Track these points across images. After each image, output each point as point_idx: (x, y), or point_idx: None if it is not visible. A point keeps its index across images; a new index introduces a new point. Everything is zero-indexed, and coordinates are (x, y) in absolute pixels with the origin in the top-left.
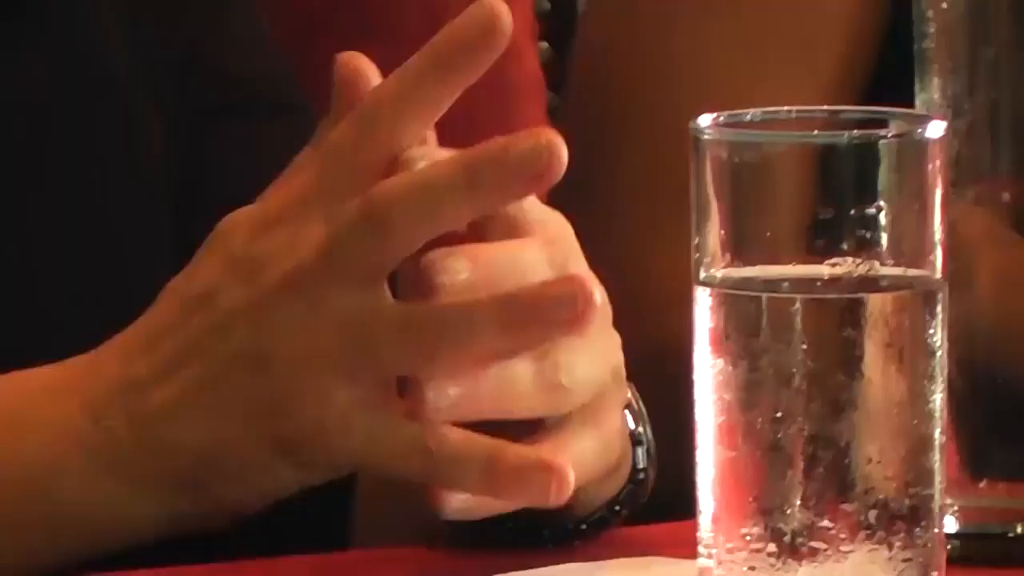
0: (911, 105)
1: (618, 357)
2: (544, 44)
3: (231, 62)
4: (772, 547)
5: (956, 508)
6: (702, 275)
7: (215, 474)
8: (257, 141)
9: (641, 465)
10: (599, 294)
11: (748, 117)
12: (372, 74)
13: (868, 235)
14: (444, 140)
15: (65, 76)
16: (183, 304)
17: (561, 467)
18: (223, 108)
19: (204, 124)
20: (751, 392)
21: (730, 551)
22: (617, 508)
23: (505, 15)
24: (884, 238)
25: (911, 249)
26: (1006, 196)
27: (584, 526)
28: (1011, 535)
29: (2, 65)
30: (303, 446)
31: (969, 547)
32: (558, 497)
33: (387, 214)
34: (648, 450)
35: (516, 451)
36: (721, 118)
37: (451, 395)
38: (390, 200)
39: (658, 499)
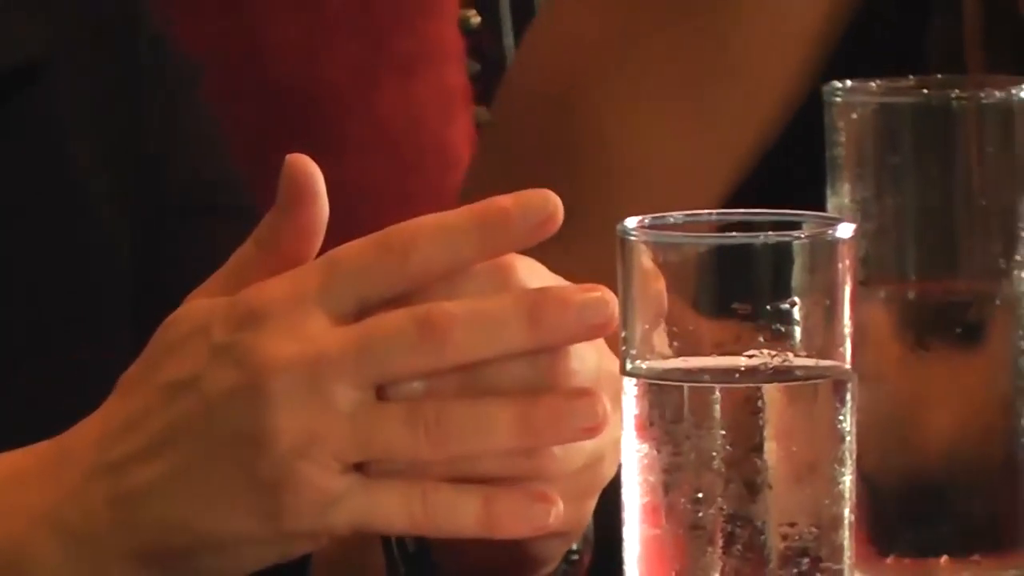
0: (822, 206)
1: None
2: (472, 60)
3: (190, 167)
4: None
5: None
6: (628, 366)
7: (203, 549)
8: (213, 240)
9: (576, 547)
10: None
11: (671, 220)
12: (318, 176)
13: (782, 329)
14: (380, 144)
15: (33, 177)
16: (162, 390)
17: (553, 496)
18: (182, 209)
19: (165, 224)
20: (673, 474)
21: None
22: None
23: (560, 213)
24: (797, 331)
25: (822, 342)
26: (911, 294)
27: None
28: None
29: None
30: (299, 521)
31: None
32: (555, 522)
33: (448, 330)
34: (586, 535)
35: (507, 488)
36: (646, 221)
37: None
38: (453, 318)
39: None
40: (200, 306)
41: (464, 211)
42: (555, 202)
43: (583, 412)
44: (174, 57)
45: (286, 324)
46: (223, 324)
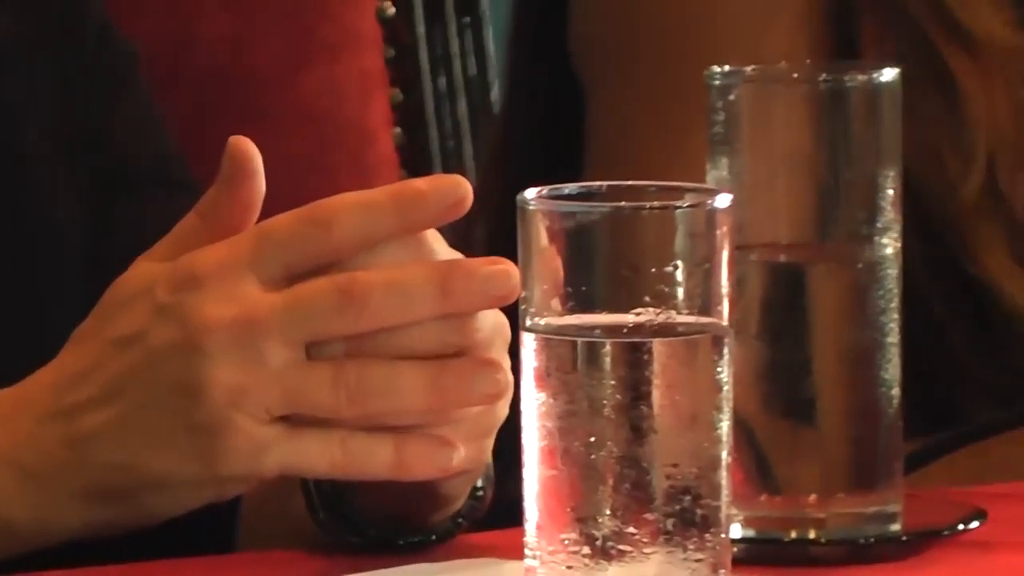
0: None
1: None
2: (398, 130)
3: (135, 144)
4: (586, 550)
5: (741, 517)
6: (528, 323)
7: (146, 488)
8: (155, 210)
9: (480, 484)
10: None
11: (566, 191)
12: (257, 156)
13: (666, 289)
14: (305, 122)
15: None
16: (112, 344)
17: (456, 441)
18: (127, 183)
19: (110, 194)
20: (568, 421)
21: (551, 554)
22: (460, 520)
23: (469, 196)
24: (680, 292)
25: (702, 301)
26: (782, 258)
27: (433, 536)
28: (786, 540)
29: None
30: (232, 465)
31: (751, 550)
32: (458, 464)
33: (366, 296)
34: (487, 472)
35: (415, 435)
36: (544, 191)
37: None
38: (371, 285)
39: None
40: (146, 269)
41: (383, 190)
42: (466, 187)
43: (488, 379)
44: (117, 45)
45: (222, 288)
46: (166, 286)
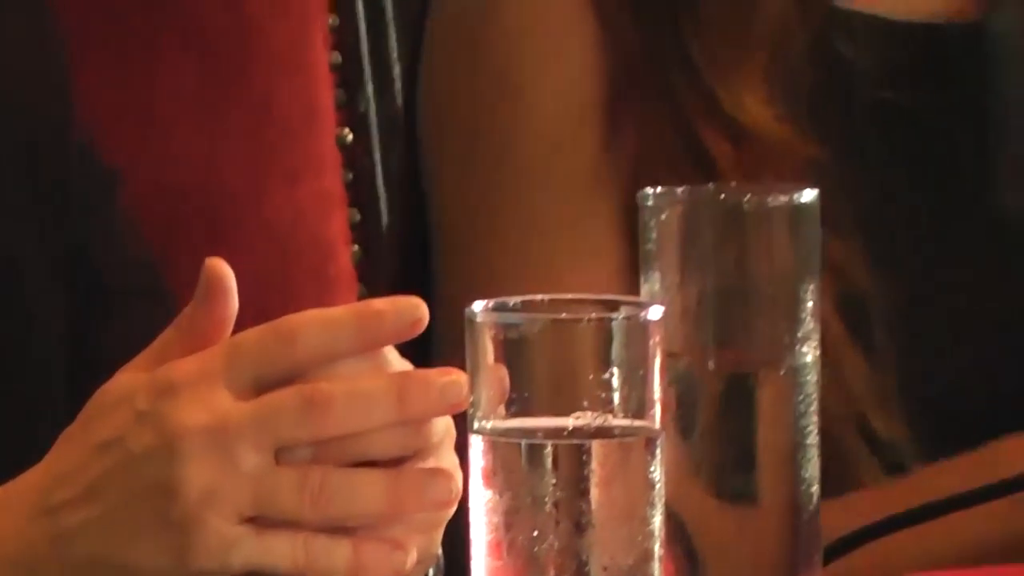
0: None
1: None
2: (355, 247)
3: (112, 253)
4: None
5: None
6: (475, 425)
7: None
8: (134, 321)
9: (430, 573)
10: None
11: (511, 303)
12: (231, 277)
13: (603, 395)
14: (269, 239)
15: None
16: (95, 447)
17: (409, 545)
18: (107, 291)
19: (92, 303)
20: (513, 516)
21: None
22: None
23: (426, 318)
24: (616, 397)
25: (636, 405)
26: (711, 364)
27: None
28: None
29: None
30: (203, 560)
31: None
32: (411, 566)
33: (329, 405)
34: (437, 563)
35: (372, 540)
36: (490, 304)
37: None
38: (332, 396)
39: None
40: (127, 379)
41: (346, 308)
42: (423, 308)
43: (441, 488)
44: (98, 163)
45: (196, 396)
46: (145, 394)
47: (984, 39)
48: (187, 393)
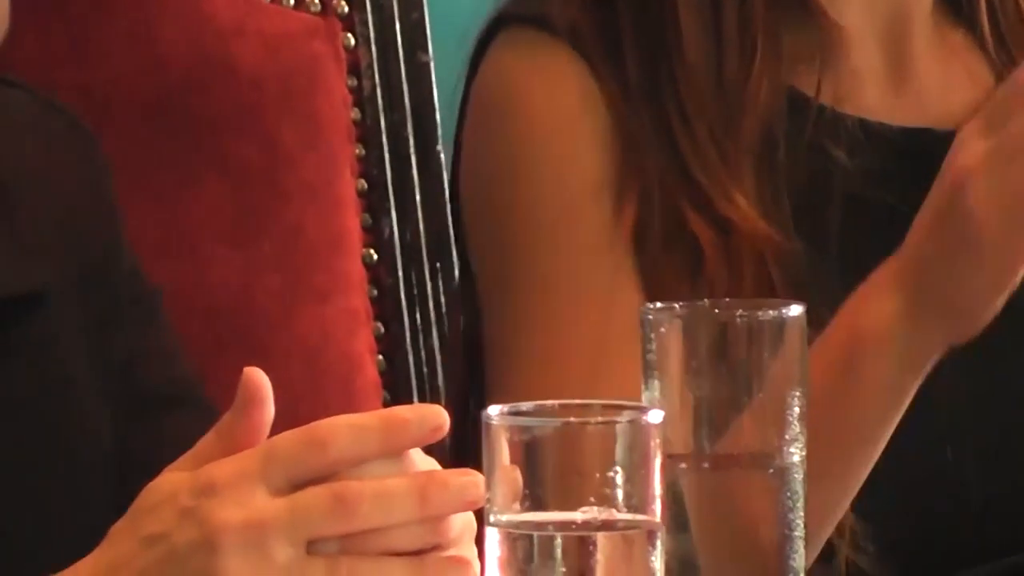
0: None
1: None
2: (380, 358)
3: (157, 367)
4: None
5: None
6: (491, 519)
7: None
8: (178, 428)
9: None
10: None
11: (523, 408)
12: (268, 386)
13: (608, 491)
14: (300, 355)
15: (34, 387)
16: (141, 541)
17: None
18: (152, 402)
19: (139, 413)
20: None
21: None
22: None
23: (447, 424)
24: (620, 493)
25: (638, 501)
26: (706, 465)
27: None
28: None
29: None
30: None
31: None
32: None
33: (357, 504)
34: None
35: None
36: (505, 409)
37: None
38: (360, 494)
39: None
40: (172, 478)
41: (373, 416)
42: (444, 416)
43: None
44: (145, 285)
45: (236, 495)
46: (188, 493)
47: None
48: (227, 492)
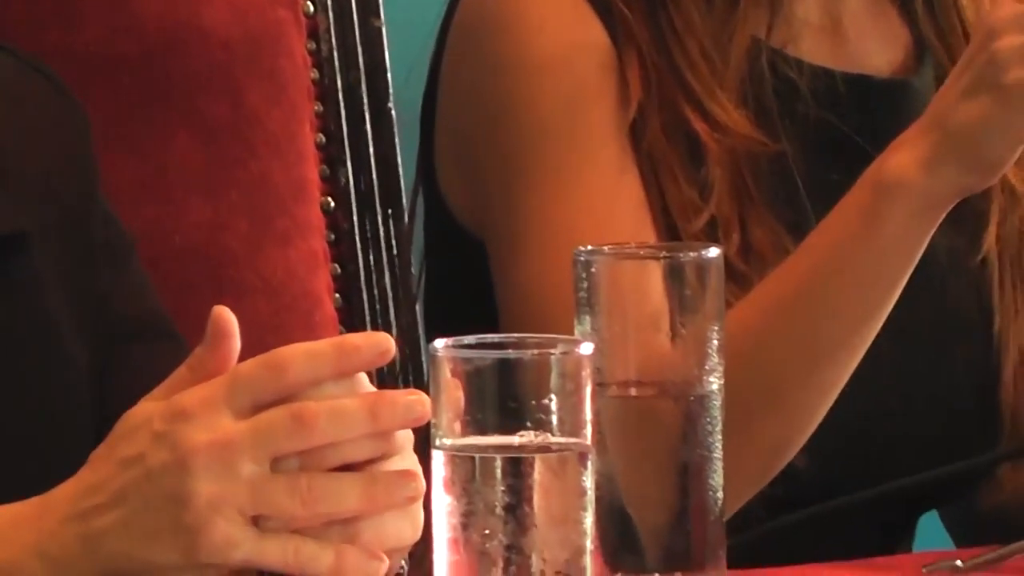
0: None
1: None
2: (337, 296)
3: (131, 304)
4: None
5: None
6: (436, 442)
7: (143, 572)
8: (150, 357)
9: (403, 564)
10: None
11: (466, 342)
12: (234, 323)
13: (543, 417)
14: (265, 292)
15: (16, 325)
16: (118, 464)
17: (382, 554)
18: (127, 334)
19: (114, 345)
20: (468, 518)
21: None
22: None
23: (393, 349)
24: (554, 419)
25: (571, 426)
26: (632, 391)
27: None
28: None
29: None
30: (210, 556)
31: None
32: (383, 572)
33: (314, 421)
34: (412, 554)
35: (353, 548)
36: (449, 342)
37: None
38: (317, 413)
39: None
40: (146, 407)
41: (328, 342)
42: (390, 342)
43: (408, 487)
44: (119, 229)
45: (204, 419)
46: (161, 419)
47: (907, 93)
48: (196, 416)
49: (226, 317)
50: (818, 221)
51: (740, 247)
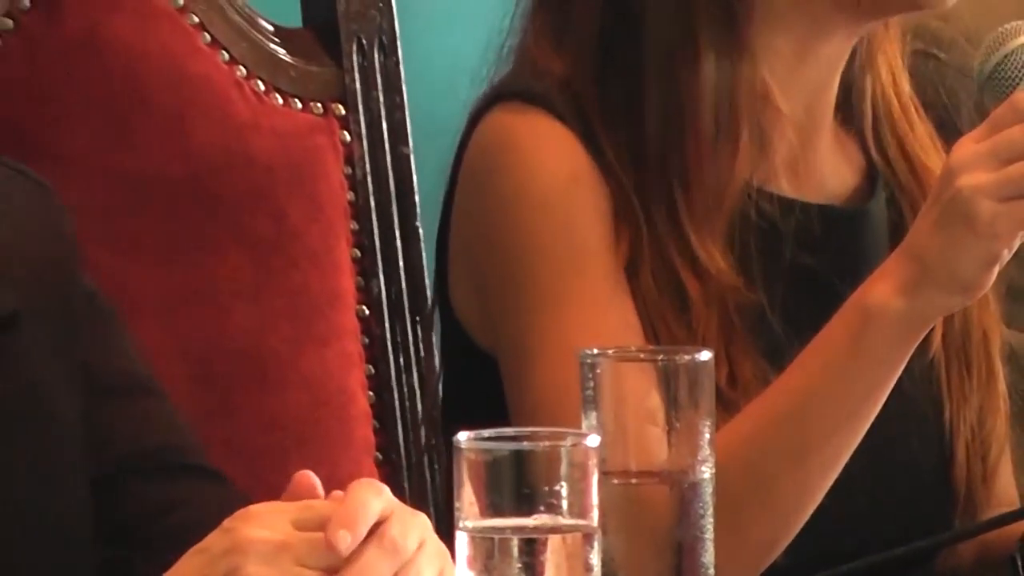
0: None
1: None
2: (371, 393)
3: (116, 364)
4: None
5: None
6: (459, 524)
7: None
8: (134, 410)
9: None
10: None
11: (485, 434)
12: (319, 489)
13: (555, 501)
14: (305, 388)
15: (8, 386)
16: (190, 555)
17: None
18: (111, 389)
19: (102, 402)
20: None
21: None
22: None
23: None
24: (564, 503)
25: (579, 509)
26: (633, 480)
27: None
28: None
29: None
30: None
31: None
32: None
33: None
34: None
35: None
36: (471, 435)
37: None
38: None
39: None
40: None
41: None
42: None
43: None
44: (102, 303)
45: (267, 520)
46: (229, 520)
47: (865, 220)
48: (260, 518)
49: (309, 481)
50: (792, 351)
51: (727, 377)
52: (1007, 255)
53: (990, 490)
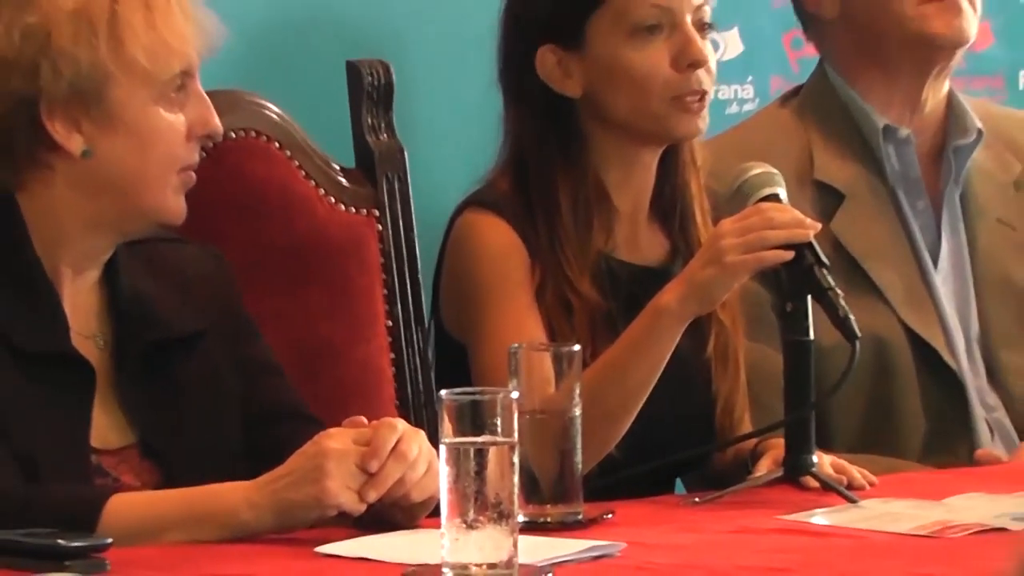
0: None
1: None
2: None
3: (259, 355)
4: (460, 523)
5: (522, 513)
6: (441, 440)
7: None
8: (271, 383)
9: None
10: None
11: (456, 391)
12: (365, 421)
13: (494, 428)
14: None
15: (215, 384)
16: (290, 459)
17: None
18: (259, 371)
19: (252, 378)
20: (456, 479)
21: (449, 527)
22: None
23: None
24: (500, 429)
25: (507, 432)
26: (538, 416)
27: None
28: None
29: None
30: (330, 500)
31: (524, 527)
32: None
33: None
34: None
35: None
36: (449, 392)
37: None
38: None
39: None
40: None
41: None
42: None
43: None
44: (249, 319)
45: (340, 438)
46: (312, 442)
47: (667, 277)
48: (335, 437)
49: (359, 420)
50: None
51: (591, 357)
52: (737, 286)
53: (735, 430)
